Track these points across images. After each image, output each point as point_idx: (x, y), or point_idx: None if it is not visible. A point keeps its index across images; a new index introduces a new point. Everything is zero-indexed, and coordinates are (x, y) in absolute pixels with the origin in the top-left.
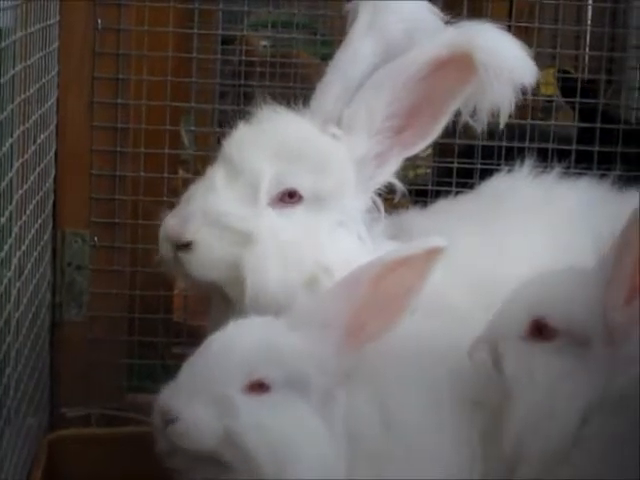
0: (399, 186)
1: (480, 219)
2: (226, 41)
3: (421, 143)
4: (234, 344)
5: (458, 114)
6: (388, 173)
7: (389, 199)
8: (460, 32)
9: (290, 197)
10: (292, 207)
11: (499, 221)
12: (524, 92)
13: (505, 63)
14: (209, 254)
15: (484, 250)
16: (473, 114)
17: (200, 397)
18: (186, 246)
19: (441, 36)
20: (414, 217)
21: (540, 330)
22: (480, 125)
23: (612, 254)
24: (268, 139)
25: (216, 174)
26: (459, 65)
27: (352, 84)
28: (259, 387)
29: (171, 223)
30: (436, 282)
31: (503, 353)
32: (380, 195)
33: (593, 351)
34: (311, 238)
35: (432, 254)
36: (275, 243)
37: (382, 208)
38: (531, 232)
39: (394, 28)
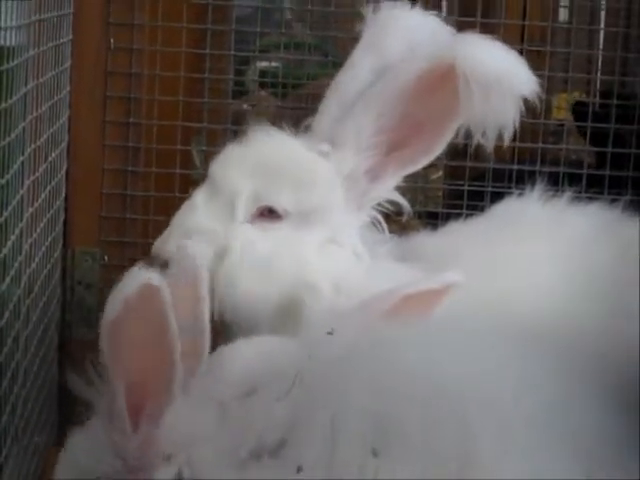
0: (406, 206)
1: (490, 243)
2: (239, 62)
3: (422, 160)
4: None
5: (469, 136)
6: (384, 189)
7: (398, 220)
8: (445, 44)
9: (270, 213)
10: (273, 223)
11: (509, 245)
12: (529, 109)
13: (492, 74)
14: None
15: (493, 275)
16: (483, 134)
17: None
18: (166, 264)
19: (427, 49)
20: (424, 239)
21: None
22: (489, 145)
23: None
24: (249, 157)
25: (198, 193)
26: (453, 83)
27: (348, 103)
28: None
29: (155, 244)
30: (445, 306)
31: None
32: (388, 216)
33: None
34: (293, 254)
35: (447, 289)
36: (249, 257)
37: (385, 226)
38: (540, 257)
39: (392, 47)
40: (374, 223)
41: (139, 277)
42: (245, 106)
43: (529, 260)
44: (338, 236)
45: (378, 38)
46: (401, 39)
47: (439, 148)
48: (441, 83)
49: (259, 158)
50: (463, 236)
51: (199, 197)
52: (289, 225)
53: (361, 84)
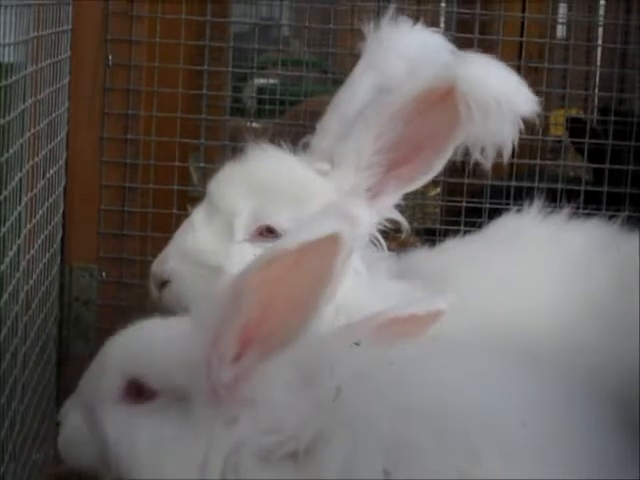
0: (404, 224)
1: (488, 260)
2: (237, 79)
3: (421, 178)
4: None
5: (467, 153)
6: (385, 208)
7: (397, 238)
8: (446, 64)
9: (269, 232)
10: (273, 241)
11: (507, 262)
12: (527, 126)
13: (492, 95)
14: (184, 290)
15: (491, 292)
16: (482, 152)
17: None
18: (165, 284)
19: (427, 69)
20: (422, 256)
21: (137, 391)
22: (487, 163)
23: (218, 307)
24: (247, 176)
25: (197, 213)
26: (448, 98)
27: (348, 121)
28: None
29: (154, 264)
30: (443, 323)
31: (101, 419)
32: (387, 233)
33: (196, 411)
34: None
35: (434, 316)
36: None
37: (384, 244)
38: (538, 275)
39: (393, 65)
40: (373, 241)
41: (329, 226)
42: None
43: (527, 279)
44: None
45: (379, 56)
46: (402, 57)
47: (438, 166)
48: (441, 102)
49: (257, 177)
50: (461, 254)
51: (198, 216)
52: None
53: (361, 102)
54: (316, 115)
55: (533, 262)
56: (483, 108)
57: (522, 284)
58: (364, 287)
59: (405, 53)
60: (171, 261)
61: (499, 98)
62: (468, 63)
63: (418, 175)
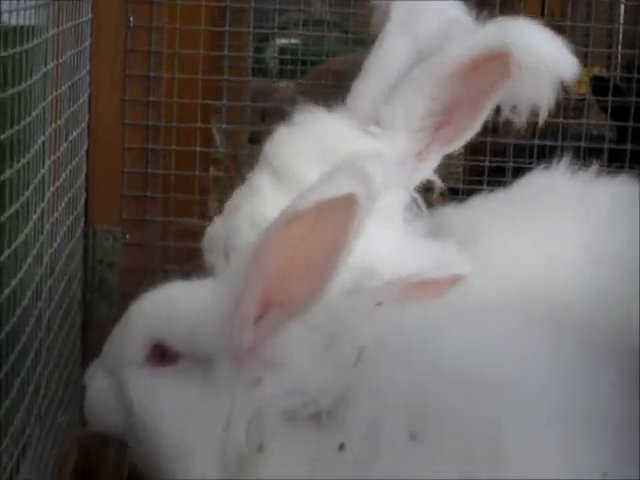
0: (438, 183)
1: (516, 216)
2: (258, 39)
3: (461, 139)
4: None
5: (497, 111)
6: (428, 170)
7: (426, 197)
8: (497, 30)
9: None
10: None
11: (535, 219)
12: (564, 89)
13: (543, 61)
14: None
15: (519, 249)
16: (513, 110)
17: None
18: (227, 254)
19: (478, 34)
20: (451, 213)
21: (161, 354)
22: (520, 122)
23: (240, 268)
24: (311, 143)
25: (261, 180)
26: (496, 63)
27: (388, 83)
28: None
29: (219, 232)
30: (471, 282)
31: (126, 382)
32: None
33: (219, 373)
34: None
35: (454, 280)
36: None
37: (423, 204)
38: (567, 229)
39: (428, 27)
40: (413, 202)
41: (345, 186)
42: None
43: (557, 234)
44: (387, 219)
45: (410, 18)
46: (432, 20)
47: (477, 127)
48: (486, 64)
49: (321, 143)
50: (490, 211)
51: (263, 183)
52: None
53: (399, 64)
54: (338, 75)
55: (562, 218)
56: (533, 72)
57: (552, 240)
58: (402, 247)
59: (437, 15)
60: (241, 230)
61: (548, 63)
62: (518, 28)
63: (460, 135)
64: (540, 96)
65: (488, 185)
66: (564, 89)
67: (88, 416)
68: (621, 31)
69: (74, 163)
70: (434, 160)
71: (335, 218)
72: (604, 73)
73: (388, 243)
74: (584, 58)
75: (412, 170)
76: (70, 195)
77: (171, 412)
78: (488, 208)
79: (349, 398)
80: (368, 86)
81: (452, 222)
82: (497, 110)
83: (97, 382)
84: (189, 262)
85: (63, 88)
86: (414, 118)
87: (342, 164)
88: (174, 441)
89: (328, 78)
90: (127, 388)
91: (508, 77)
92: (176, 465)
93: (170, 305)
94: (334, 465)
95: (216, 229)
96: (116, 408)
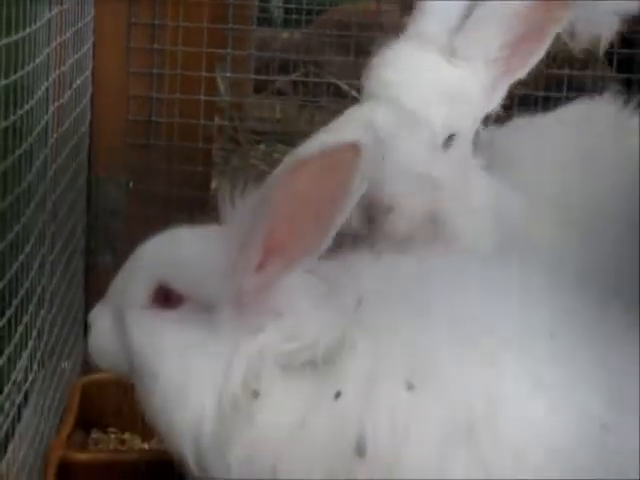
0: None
1: (553, 141)
2: None
3: (526, 67)
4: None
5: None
6: (499, 99)
7: None
8: None
9: (449, 140)
10: (451, 150)
11: (573, 142)
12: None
13: None
14: (410, 212)
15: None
16: (571, 38)
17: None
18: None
19: None
20: (495, 134)
21: (165, 297)
22: (578, 49)
23: (245, 214)
24: (430, 82)
25: (383, 118)
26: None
27: (455, 13)
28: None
29: (369, 190)
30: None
31: (129, 322)
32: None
33: (222, 318)
34: (464, 177)
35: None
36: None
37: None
38: (607, 157)
39: None
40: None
41: (349, 134)
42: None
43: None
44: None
45: None
46: None
47: (541, 54)
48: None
49: (438, 83)
50: (530, 134)
51: (389, 124)
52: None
53: None
54: (342, 25)
55: (599, 146)
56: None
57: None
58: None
59: None
60: (391, 183)
61: None
62: None
63: (525, 64)
64: (604, 27)
65: None
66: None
67: (92, 354)
68: None
69: (78, 110)
70: (503, 90)
71: (340, 165)
72: None
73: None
74: None
75: (489, 100)
76: (74, 142)
77: (172, 353)
78: (528, 133)
79: (346, 346)
80: (433, 16)
81: (496, 142)
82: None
83: (101, 322)
84: (192, 210)
85: (67, 35)
86: (490, 51)
87: (348, 113)
88: (173, 381)
89: (332, 28)
90: (130, 328)
91: (568, 10)
92: (172, 404)
93: (176, 248)
94: (328, 413)
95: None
96: (119, 347)
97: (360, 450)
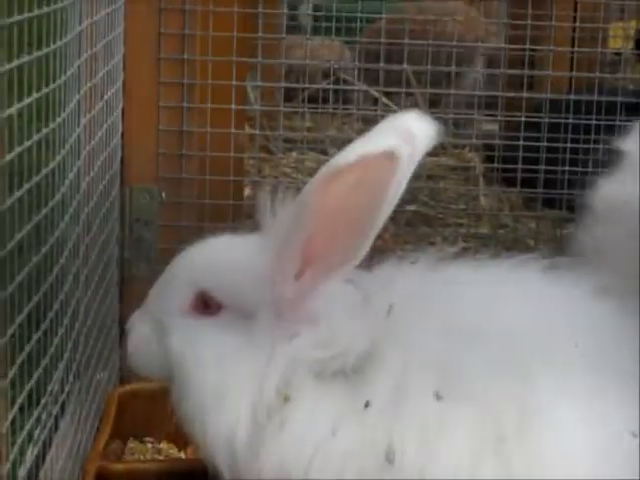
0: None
1: None
2: None
3: None
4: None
5: (532, 66)
6: None
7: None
8: None
9: None
10: None
11: None
12: (584, 37)
13: None
14: None
15: None
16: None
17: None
18: None
19: None
20: None
21: (205, 304)
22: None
23: (283, 224)
24: None
25: None
26: None
27: None
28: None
29: None
30: None
31: (168, 329)
32: (444, 148)
33: (260, 326)
34: None
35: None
36: None
37: None
38: None
39: None
40: None
41: (385, 141)
42: None
43: None
44: None
45: None
46: None
47: None
48: None
49: None
50: None
51: None
52: None
53: None
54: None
55: None
56: None
57: None
58: None
59: None
60: None
61: None
62: None
63: None
64: None
65: (524, 141)
66: (601, 44)
67: (130, 359)
68: None
69: (110, 122)
70: None
71: (377, 174)
72: None
73: None
74: (620, 12)
75: None
76: (106, 154)
77: (210, 359)
78: None
79: (376, 355)
80: None
81: None
82: (532, 65)
83: (140, 328)
84: (225, 220)
85: (98, 47)
86: None
87: (385, 122)
88: (210, 385)
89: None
90: (170, 334)
91: None
92: (208, 408)
93: (216, 257)
94: (358, 422)
95: None
96: (158, 352)
97: (389, 461)
